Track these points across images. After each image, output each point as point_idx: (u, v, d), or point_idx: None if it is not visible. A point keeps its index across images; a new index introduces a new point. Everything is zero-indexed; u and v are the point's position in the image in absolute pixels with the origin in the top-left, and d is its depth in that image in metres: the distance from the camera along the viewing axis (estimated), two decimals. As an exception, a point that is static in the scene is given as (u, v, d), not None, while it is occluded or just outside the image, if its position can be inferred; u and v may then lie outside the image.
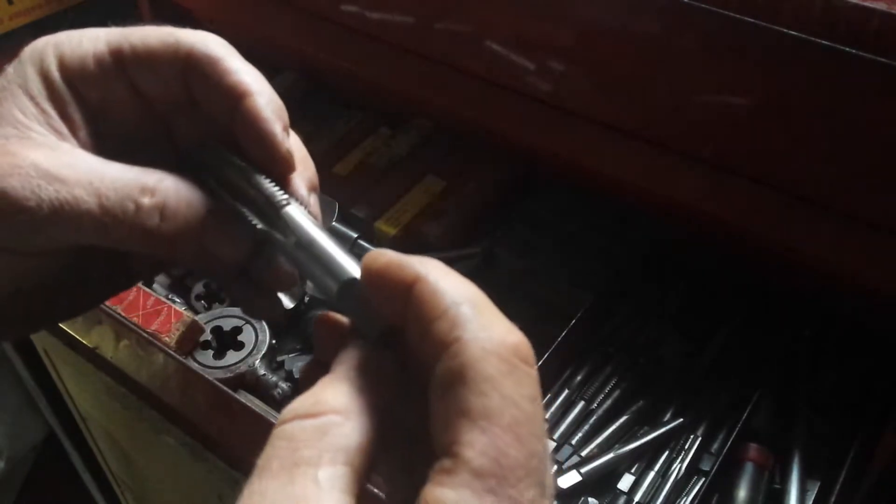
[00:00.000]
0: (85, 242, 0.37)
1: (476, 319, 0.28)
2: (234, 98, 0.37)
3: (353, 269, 0.33)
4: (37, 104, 0.37)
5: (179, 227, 0.37)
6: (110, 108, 0.39)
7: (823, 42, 0.59)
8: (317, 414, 0.28)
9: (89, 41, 0.38)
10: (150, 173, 0.37)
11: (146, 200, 0.36)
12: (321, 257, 0.34)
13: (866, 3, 0.57)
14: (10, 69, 0.38)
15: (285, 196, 0.37)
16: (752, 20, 0.62)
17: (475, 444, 0.26)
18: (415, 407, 0.30)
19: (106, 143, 0.39)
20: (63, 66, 0.37)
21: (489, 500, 0.25)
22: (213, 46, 0.38)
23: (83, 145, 0.38)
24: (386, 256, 0.31)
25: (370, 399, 0.29)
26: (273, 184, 0.38)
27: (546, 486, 0.27)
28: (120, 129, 0.40)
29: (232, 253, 0.38)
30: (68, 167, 0.35)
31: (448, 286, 0.29)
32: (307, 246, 0.35)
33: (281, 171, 0.38)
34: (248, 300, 0.42)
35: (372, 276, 0.31)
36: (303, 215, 0.36)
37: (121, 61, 0.38)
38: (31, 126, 0.36)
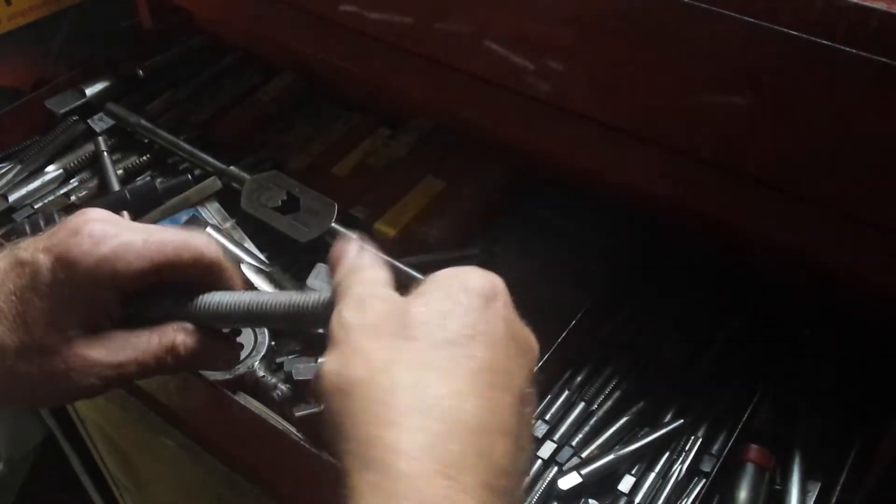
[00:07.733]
0: None
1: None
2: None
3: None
4: (90, 313, 0.52)
5: (186, 365, 0.56)
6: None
7: (823, 42, 0.59)
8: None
9: (137, 259, 0.52)
10: (166, 333, 0.54)
11: (169, 359, 0.54)
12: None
13: (866, 3, 0.57)
14: (61, 278, 0.50)
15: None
16: (753, 20, 0.62)
17: None
18: None
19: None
20: (117, 281, 0.52)
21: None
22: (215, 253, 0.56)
23: (114, 323, 0.54)
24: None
25: None
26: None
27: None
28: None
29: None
30: (119, 350, 0.53)
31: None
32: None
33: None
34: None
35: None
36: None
37: (159, 272, 0.53)
38: (86, 325, 0.52)
